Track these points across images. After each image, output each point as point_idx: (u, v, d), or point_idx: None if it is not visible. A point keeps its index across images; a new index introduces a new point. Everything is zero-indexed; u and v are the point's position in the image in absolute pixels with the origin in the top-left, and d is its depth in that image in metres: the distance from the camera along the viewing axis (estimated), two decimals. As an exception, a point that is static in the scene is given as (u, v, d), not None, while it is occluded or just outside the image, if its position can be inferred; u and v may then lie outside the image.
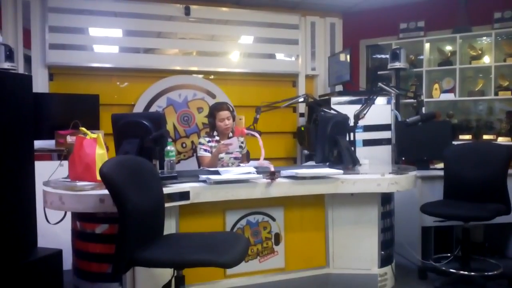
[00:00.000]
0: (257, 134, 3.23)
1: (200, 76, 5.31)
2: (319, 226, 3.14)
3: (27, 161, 2.67)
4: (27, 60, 4.74)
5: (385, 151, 4.82)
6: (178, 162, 5.02)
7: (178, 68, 5.18)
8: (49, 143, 3.99)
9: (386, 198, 3.20)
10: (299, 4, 5.57)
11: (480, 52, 5.09)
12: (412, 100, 4.30)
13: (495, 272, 3.39)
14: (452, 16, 5.29)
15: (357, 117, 3.54)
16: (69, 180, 2.73)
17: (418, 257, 3.70)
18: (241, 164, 3.63)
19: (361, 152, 3.92)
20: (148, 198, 2.18)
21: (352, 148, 3.45)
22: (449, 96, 5.14)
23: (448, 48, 5.36)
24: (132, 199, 1.99)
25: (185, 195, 2.54)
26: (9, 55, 4.38)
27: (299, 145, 5.60)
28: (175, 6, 5.14)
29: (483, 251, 4.02)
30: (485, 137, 4.83)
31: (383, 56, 5.88)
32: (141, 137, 2.65)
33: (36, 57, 4.69)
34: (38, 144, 3.54)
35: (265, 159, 3.16)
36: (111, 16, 4.91)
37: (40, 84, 4.65)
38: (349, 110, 3.68)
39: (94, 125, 4.24)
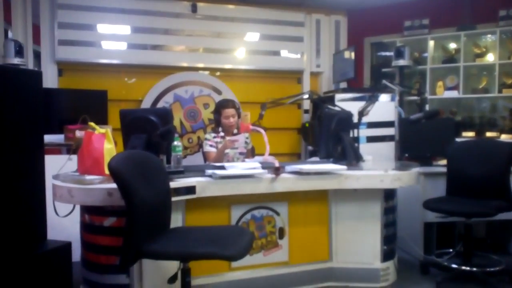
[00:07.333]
0: (262, 130, 3.25)
1: (207, 72, 5.35)
2: (323, 221, 3.17)
3: (37, 155, 2.71)
4: (37, 56, 4.80)
5: (389, 147, 4.85)
6: (185, 157, 5.06)
7: (185, 64, 5.22)
8: (58, 138, 4.03)
9: (389, 194, 3.21)
10: (304, 2, 5.59)
11: (484, 49, 5.10)
12: (416, 97, 4.34)
13: (497, 268, 3.41)
14: (456, 13, 5.30)
15: (361, 113, 3.57)
16: (78, 174, 2.76)
17: (421, 252, 3.73)
18: (246, 160, 3.67)
19: (365, 148, 3.96)
20: (155, 192, 2.20)
21: (356, 145, 3.47)
22: (453, 94, 5.16)
23: (452, 45, 5.37)
24: (140, 193, 2.02)
25: (191, 189, 2.56)
26: (19, 51, 4.44)
27: (304, 141, 5.64)
28: (182, 4, 5.18)
29: (485, 247, 4.03)
30: (488, 134, 4.85)
31: (387, 53, 5.89)
32: (148, 132, 2.66)
33: (46, 53, 4.75)
34: (47, 138, 3.56)
35: (270, 154, 3.18)
36: (119, 13, 4.96)
37: (50, 79, 4.70)
38: (353, 107, 3.70)
39: (102, 120, 4.27)
